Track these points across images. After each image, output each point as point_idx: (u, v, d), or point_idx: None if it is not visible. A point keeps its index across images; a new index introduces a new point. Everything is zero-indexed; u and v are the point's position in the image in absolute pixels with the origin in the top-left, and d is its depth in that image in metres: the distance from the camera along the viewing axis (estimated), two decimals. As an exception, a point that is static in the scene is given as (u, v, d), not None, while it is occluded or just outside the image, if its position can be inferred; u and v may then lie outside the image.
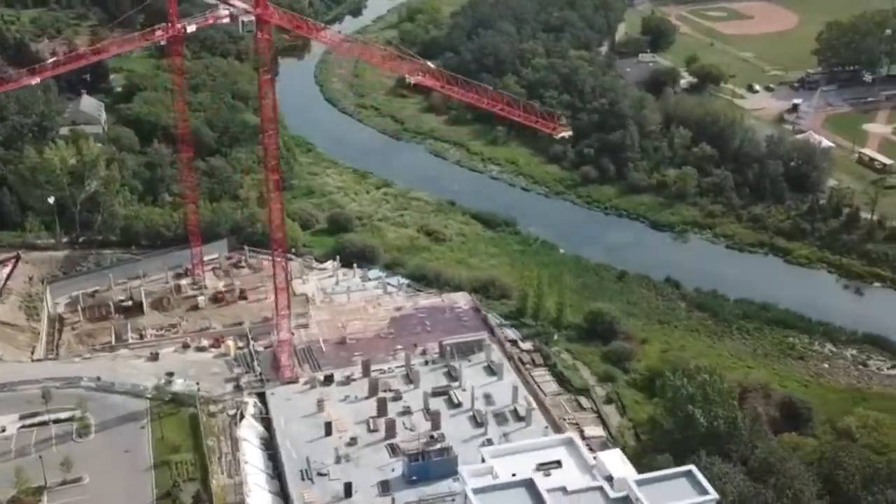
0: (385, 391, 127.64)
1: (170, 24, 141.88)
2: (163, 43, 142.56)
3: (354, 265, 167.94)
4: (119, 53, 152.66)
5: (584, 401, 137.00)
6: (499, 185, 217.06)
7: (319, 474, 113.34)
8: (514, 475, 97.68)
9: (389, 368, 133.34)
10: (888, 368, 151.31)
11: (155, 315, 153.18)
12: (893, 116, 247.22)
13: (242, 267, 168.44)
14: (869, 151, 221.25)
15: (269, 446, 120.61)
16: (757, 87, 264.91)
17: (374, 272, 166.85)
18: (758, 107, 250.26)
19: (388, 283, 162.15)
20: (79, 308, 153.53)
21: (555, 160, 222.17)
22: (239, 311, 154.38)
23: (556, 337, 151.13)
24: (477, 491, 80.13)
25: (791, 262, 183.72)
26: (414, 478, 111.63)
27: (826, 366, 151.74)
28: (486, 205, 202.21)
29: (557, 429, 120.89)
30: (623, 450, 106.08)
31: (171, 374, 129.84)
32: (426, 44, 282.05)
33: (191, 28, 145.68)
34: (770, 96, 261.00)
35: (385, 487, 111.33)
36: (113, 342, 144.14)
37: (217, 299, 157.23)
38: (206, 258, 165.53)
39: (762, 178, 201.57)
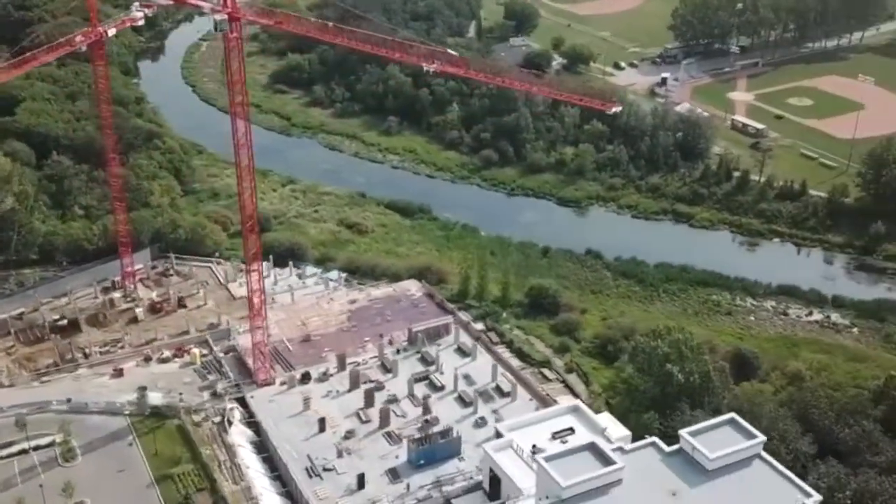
0: (366, 382, 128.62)
1: (91, 28, 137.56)
2: (83, 49, 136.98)
3: (291, 263, 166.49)
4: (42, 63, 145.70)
5: (547, 372, 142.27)
6: (403, 175, 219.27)
7: (325, 469, 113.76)
8: (534, 446, 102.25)
9: (364, 360, 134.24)
10: (806, 315, 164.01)
11: (94, 332, 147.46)
12: (752, 84, 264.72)
13: (171, 275, 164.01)
14: (741, 118, 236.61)
15: (262, 449, 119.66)
16: (623, 64, 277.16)
17: (310, 269, 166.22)
18: (628, 83, 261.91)
19: (328, 279, 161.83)
20: (11, 332, 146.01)
21: (451, 146, 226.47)
22: (181, 319, 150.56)
23: (504, 315, 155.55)
24: (549, 459, 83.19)
25: (695, 226, 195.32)
26: (421, 462, 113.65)
27: (752, 318, 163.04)
28: (395, 194, 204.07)
29: (542, 401, 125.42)
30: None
31: (143, 389, 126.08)
32: (294, 37, 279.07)
33: (111, 31, 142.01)
34: (636, 72, 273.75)
35: (394, 474, 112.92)
36: (60, 363, 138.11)
37: (155, 309, 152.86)
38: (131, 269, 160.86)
39: (654, 150, 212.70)
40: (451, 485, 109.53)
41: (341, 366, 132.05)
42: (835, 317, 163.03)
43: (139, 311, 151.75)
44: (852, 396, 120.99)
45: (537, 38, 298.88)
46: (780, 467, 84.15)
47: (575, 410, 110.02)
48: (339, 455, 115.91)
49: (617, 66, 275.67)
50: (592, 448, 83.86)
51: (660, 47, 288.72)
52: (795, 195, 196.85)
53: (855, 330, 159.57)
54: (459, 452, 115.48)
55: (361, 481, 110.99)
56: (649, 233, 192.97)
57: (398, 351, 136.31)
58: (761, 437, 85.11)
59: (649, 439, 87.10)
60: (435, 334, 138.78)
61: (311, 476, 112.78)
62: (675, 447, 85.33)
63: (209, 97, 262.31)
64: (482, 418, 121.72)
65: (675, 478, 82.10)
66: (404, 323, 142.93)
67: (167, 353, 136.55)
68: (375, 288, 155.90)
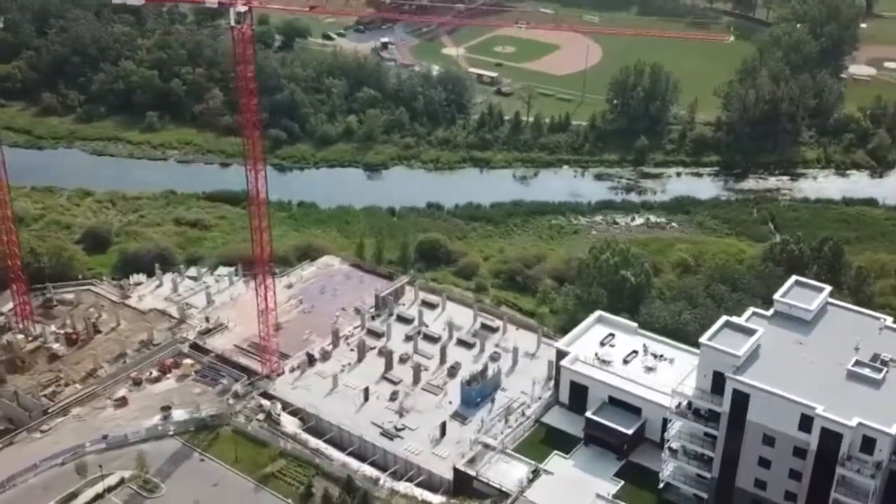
0: (371, 349, 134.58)
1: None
2: None
3: (182, 268, 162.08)
4: None
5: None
6: (195, 167, 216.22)
7: (398, 430, 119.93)
8: (595, 353, 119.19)
9: (350, 332, 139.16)
10: (632, 221, 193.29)
11: (20, 378, 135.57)
12: (456, 39, 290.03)
13: (55, 305, 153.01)
14: (475, 69, 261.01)
15: (318, 432, 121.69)
16: (332, 34, 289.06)
17: (192, 270, 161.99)
18: (351, 49, 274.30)
19: (220, 276, 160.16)
20: None
21: (230, 132, 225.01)
22: (107, 344, 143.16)
23: (412, 272, 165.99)
24: (710, 341, 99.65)
25: (494, 167, 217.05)
26: (478, 400, 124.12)
27: (595, 232, 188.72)
28: (202, 186, 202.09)
29: (529, 327, 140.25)
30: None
31: (167, 408, 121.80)
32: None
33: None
34: (349, 40, 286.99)
35: (462, 417, 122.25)
36: (12, 422, 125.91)
37: (72, 341, 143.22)
38: (3, 309, 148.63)
39: (430, 107, 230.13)
40: (512, 411, 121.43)
41: (335, 341, 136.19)
42: (653, 218, 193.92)
43: (56, 346, 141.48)
44: (748, 268, 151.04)
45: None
46: (851, 306, 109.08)
47: (600, 320, 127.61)
48: (401, 415, 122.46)
49: (327, 37, 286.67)
50: (730, 324, 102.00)
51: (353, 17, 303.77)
52: (564, 127, 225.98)
53: (674, 224, 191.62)
54: (500, 385, 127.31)
55: (444, 429, 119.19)
56: (462, 180, 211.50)
57: (373, 317, 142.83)
58: (827, 287, 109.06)
59: (750, 311, 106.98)
60: (397, 295, 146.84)
61: (391, 439, 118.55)
62: (771, 311, 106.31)
63: None
64: (496, 352, 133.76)
65: (788, 332, 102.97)
66: (354, 293, 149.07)
67: (155, 373, 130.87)
68: (300, 269, 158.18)
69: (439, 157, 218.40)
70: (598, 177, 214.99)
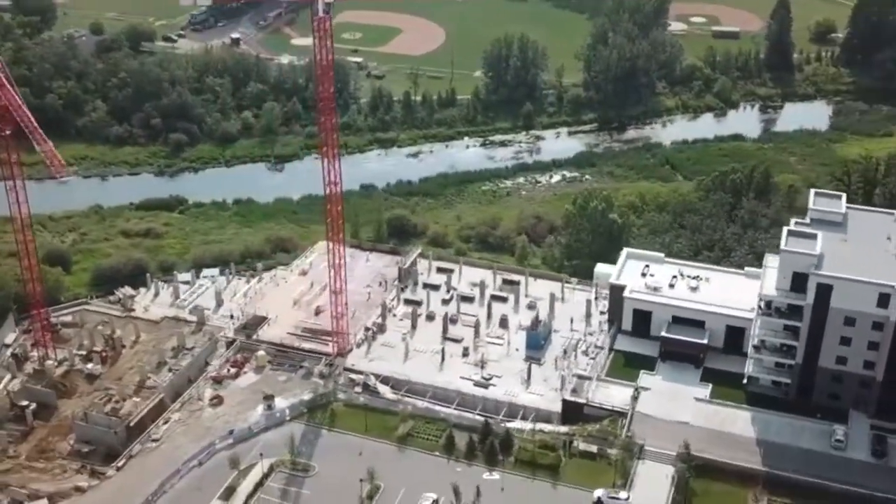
0: (419, 316, 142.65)
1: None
2: None
3: (175, 275, 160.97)
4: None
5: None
6: (117, 181, 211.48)
7: (486, 379, 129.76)
8: (645, 283, 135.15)
9: (391, 304, 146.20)
10: (550, 179, 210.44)
11: (70, 402, 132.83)
12: (299, 30, 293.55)
13: (59, 329, 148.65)
14: (338, 57, 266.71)
15: (414, 395, 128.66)
16: (173, 36, 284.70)
17: (183, 275, 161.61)
18: (196, 49, 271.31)
19: (213, 277, 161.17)
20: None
21: (123, 142, 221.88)
22: (139, 356, 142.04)
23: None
24: (785, 252, 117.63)
25: (401, 146, 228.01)
26: (542, 342, 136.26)
27: (524, 192, 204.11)
28: (126, 198, 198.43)
29: (548, 277, 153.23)
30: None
31: (270, 397, 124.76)
32: None
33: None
34: (192, 41, 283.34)
35: (534, 359, 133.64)
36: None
37: (104, 360, 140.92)
38: (4, 341, 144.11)
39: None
40: (574, 348, 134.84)
41: (384, 314, 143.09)
42: (567, 174, 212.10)
43: (90, 366, 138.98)
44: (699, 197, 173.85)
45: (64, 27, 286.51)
46: (863, 207, 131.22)
47: (631, 256, 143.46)
48: (482, 367, 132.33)
49: (169, 39, 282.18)
50: (793, 233, 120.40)
51: (188, 15, 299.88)
52: (451, 102, 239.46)
53: (587, 176, 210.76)
54: (551, 330, 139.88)
55: (530, 373, 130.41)
56: (377, 161, 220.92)
57: (402, 289, 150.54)
58: (842, 194, 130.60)
59: (792, 221, 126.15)
60: (412, 266, 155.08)
61: (486, 388, 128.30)
62: (805, 219, 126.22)
63: None
64: (531, 302, 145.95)
65: (829, 233, 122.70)
66: (369, 270, 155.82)
67: (231, 370, 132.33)
68: (305, 258, 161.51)
69: (346, 143, 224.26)
70: (501, 143, 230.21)
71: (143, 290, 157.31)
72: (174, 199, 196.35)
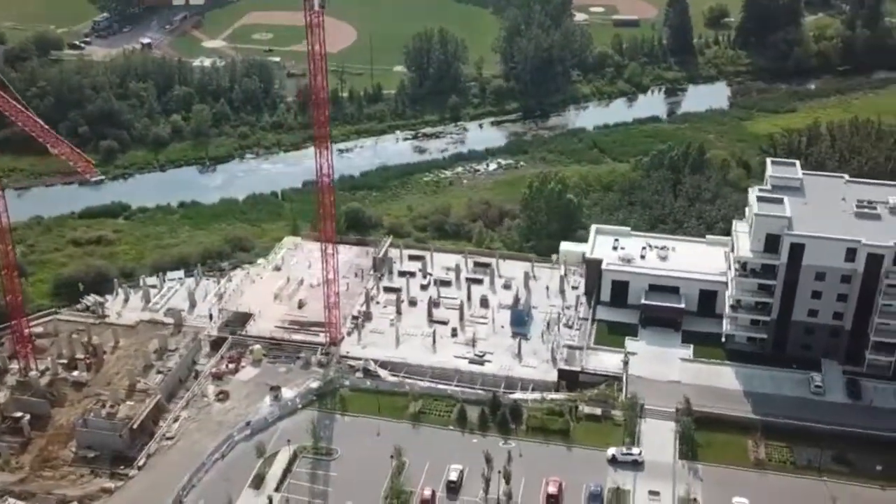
0: (401, 302, 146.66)
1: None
2: None
3: (144, 279, 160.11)
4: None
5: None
6: (46, 190, 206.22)
7: (479, 356, 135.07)
8: (618, 256, 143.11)
9: (372, 292, 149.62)
10: (487, 167, 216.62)
11: (62, 411, 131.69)
12: (207, 32, 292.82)
13: (34, 339, 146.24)
14: (255, 58, 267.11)
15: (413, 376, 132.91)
16: (78, 42, 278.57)
17: (150, 279, 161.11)
18: (108, 54, 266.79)
19: (180, 279, 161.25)
20: None
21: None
22: (123, 360, 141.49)
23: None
24: (760, 214, 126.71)
25: (335, 142, 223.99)
26: (526, 318, 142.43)
27: (465, 181, 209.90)
28: (64, 207, 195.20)
29: (517, 258, 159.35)
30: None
31: (276, 388, 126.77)
32: None
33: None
34: (99, 47, 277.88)
35: (520, 335, 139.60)
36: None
37: (88, 367, 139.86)
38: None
39: (248, 96, 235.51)
40: (556, 321, 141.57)
41: (367, 303, 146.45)
42: (502, 161, 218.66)
43: (76, 374, 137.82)
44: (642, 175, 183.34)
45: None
46: (816, 172, 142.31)
47: (599, 231, 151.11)
48: (474, 345, 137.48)
49: (75, 46, 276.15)
50: (762, 198, 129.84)
51: (88, 22, 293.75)
52: (378, 97, 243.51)
53: (522, 163, 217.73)
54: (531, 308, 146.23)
55: (520, 349, 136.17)
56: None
57: (379, 277, 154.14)
58: (796, 161, 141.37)
59: (756, 188, 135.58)
60: (385, 255, 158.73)
61: (482, 364, 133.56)
62: (768, 187, 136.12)
63: None
64: (507, 281, 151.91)
65: (790, 197, 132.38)
66: (341, 262, 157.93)
67: (230, 366, 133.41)
68: (274, 255, 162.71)
69: (280, 141, 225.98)
70: (432, 136, 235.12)
71: (109, 296, 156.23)
72: (117, 206, 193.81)
